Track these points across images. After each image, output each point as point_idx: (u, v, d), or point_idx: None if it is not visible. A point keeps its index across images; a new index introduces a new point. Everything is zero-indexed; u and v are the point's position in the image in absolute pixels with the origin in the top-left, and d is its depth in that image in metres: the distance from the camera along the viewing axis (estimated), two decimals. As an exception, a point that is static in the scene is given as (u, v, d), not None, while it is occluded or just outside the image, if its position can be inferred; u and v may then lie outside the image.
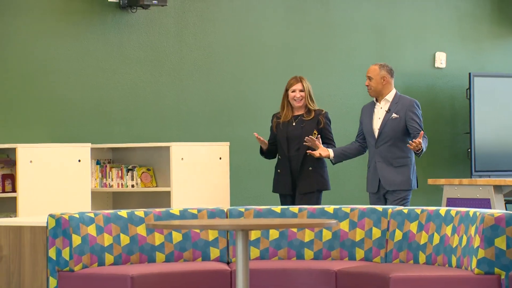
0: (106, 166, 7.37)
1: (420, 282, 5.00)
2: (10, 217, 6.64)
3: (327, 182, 7.05)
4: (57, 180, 6.87)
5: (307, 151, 6.87)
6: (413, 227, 5.48)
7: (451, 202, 7.85)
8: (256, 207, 5.81)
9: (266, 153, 7.15)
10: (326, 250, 5.68)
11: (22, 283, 5.47)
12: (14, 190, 6.79)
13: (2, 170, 6.85)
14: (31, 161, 6.73)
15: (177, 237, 5.67)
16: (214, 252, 5.71)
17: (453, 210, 5.32)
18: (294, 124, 7.00)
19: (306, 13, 8.87)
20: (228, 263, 5.70)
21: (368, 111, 6.91)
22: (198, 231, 5.69)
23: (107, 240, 5.53)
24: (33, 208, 6.72)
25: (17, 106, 7.43)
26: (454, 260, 5.19)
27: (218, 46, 8.41)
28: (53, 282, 5.40)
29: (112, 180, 7.33)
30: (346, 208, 5.73)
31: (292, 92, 7.01)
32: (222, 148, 7.34)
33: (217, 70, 8.41)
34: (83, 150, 7.04)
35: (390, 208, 5.65)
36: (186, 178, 7.14)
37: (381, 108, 6.84)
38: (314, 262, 5.58)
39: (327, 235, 5.69)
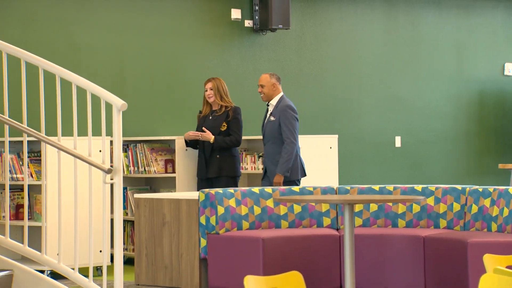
0: (242, 154, 7.42)
1: (492, 246, 4.86)
2: (171, 192, 6.77)
3: (233, 169, 6.45)
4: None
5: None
6: (486, 202, 5.34)
7: (518, 183, 7.60)
8: (360, 186, 5.77)
9: (190, 144, 6.62)
10: (416, 220, 5.58)
11: (181, 242, 5.57)
12: (173, 171, 6.90)
13: (165, 156, 6.98)
14: (186, 149, 6.83)
15: (297, 208, 5.68)
16: (326, 221, 5.70)
17: (520, 189, 5.16)
18: (210, 117, 6.51)
19: (399, 33, 8.73)
20: (337, 229, 5.67)
21: (264, 113, 6.44)
22: (314, 204, 5.68)
23: (243, 210, 5.58)
24: (188, 185, 6.83)
25: (176, 108, 7.57)
26: (520, 229, 5.03)
27: (330, 60, 8.37)
28: (203, 242, 5.48)
29: (247, 164, 7.37)
30: (432, 187, 5.62)
31: (206, 91, 6.51)
32: (332, 139, 7.29)
33: (328, 78, 8.37)
34: (225, 141, 7.10)
35: (468, 187, 5.51)
36: (304, 162, 7.12)
37: (269, 111, 6.36)
38: (406, 229, 5.50)
39: (416, 208, 5.60)
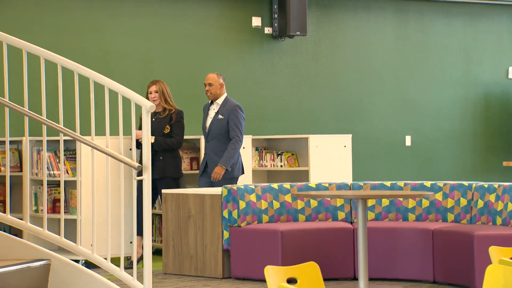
0: (262, 152, 7.42)
1: (497, 238, 4.83)
2: (196, 188, 6.78)
3: (176, 170, 6.14)
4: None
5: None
6: (492, 197, 5.30)
7: (521, 179, 7.54)
8: (372, 182, 5.75)
9: (138, 145, 6.17)
10: (425, 214, 5.56)
11: (205, 234, 5.59)
12: (198, 168, 6.90)
13: (191, 154, 6.99)
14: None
15: (314, 203, 5.68)
16: (341, 215, 5.69)
17: (523, 185, 5.12)
18: (153, 119, 6.14)
19: (409, 39, 8.69)
20: (351, 223, 5.66)
21: (206, 111, 6.20)
22: (329, 199, 5.68)
23: (263, 205, 5.58)
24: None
25: (200, 110, 7.57)
26: (524, 223, 4.99)
27: (344, 64, 8.35)
28: (226, 234, 5.49)
29: (267, 161, 7.37)
30: (440, 183, 5.60)
31: (150, 93, 6.16)
32: (346, 139, 7.27)
33: (343, 82, 8.35)
34: (245, 140, 7.10)
35: (474, 183, 5.48)
36: (320, 160, 7.11)
37: (214, 109, 6.13)
38: (415, 223, 5.48)
39: (425, 203, 5.57)
